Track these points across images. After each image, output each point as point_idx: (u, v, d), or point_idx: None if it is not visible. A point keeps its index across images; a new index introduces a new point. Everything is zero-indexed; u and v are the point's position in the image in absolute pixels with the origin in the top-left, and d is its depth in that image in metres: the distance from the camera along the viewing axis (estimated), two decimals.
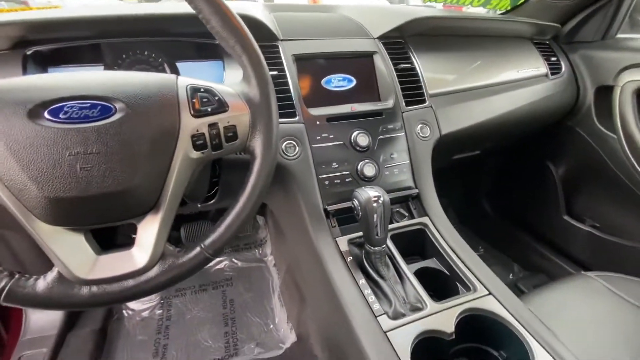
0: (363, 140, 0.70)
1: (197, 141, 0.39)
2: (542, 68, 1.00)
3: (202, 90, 0.40)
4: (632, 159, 0.95)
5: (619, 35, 1.05)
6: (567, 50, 1.06)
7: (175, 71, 0.70)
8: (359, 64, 0.77)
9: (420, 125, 0.76)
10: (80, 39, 0.62)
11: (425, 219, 0.70)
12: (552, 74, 1.01)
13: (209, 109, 0.40)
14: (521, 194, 1.35)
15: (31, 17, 0.55)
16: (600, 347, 0.60)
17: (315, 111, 0.70)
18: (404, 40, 0.83)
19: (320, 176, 0.67)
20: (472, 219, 1.50)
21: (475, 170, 1.45)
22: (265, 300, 1.14)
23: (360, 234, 0.64)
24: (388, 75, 0.77)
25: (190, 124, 0.39)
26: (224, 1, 0.39)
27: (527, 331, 0.50)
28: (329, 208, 0.66)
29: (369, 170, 0.69)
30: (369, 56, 0.77)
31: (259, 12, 0.77)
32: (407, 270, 0.60)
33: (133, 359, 0.99)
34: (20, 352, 0.94)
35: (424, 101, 0.79)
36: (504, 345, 0.53)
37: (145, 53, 0.68)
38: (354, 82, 0.76)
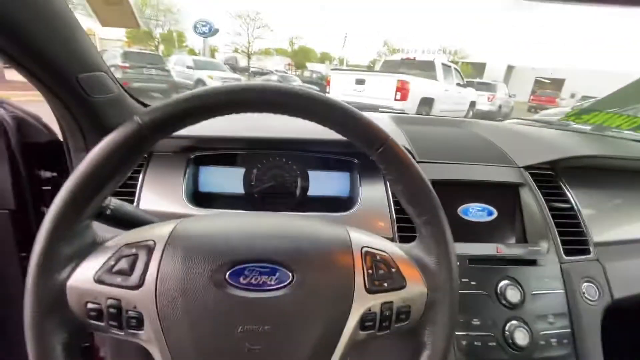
0: (513, 294, 0.57)
1: (367, 321, 0.33)
2: None
3: (377, 257, 0.35)
4: None
5: None
6: None
7: (305, 178, 0.70)
8: (501, 195, 0.68)
9: (585, 283, 0.61)
10: (235, 149, 0.68)
11: None
12: None
13: (386, 285, 0.34)
14: None
15: (204, 134, 0.62)
16: None
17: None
18: (556, 172, 0.73)
19: (457, 333, 0.55)
20: None
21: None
22: None
23: None
24: (539, 213, 0.66)
25: (363, 300, 0.33)
26: (417, 168, 0.35)
27: None
28: None
29: (520, 336, 0.55)
30: (514, 187, 0.68)
31: (393, 130, 0.76)
32: None
33: None
34: None
35: (588, 251, 0.64)
36: None
37: (283, 160, 0.70)
38: (495, 215, 0.66)
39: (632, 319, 0.68)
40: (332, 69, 9.82)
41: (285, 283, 0.32)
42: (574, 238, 0.64)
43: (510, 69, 20.92)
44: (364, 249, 0.35)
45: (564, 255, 0.62)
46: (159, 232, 0.33)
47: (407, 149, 0.67)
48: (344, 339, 0.32)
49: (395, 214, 0.62)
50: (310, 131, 0.66)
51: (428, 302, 0.35)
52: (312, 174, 0.71)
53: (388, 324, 0.34)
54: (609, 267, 0.63)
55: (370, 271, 0.34)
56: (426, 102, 5.84)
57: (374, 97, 5.56)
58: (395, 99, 5.52)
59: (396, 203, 0.63)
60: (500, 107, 9.45)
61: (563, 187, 0.71)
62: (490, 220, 0.66)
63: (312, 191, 0.71)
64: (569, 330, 0.57)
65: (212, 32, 13.41)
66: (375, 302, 0.33)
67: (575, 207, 0.68)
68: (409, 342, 0.37)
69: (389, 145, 0.34)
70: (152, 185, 0.62)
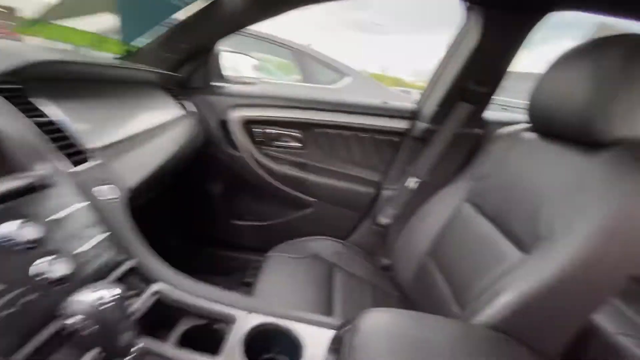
0: (27, 231, 0.46)
1: None
2: (179, 110, 1.13)
3: None
4: (256, 169, 1.36)
5: (213, 83, 1.40)
6: (189, 94, 1.27)
7: None
8: None
9: (101, 186, 0.62)
10: None
11: (159, 286, 0.61)
12: (186, 114, 1.17)
13: None
14: (194, 214, 1.49)
15: None
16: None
17: None
18: (25, 85, 0.61)
19: None
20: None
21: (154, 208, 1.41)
22: None
23: None
24: (18, 134, 0.54)
25: None
26: None
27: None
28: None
29: (58, 268, 0.47)
30: None
31: None
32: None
33: None
34: None
35: (90, 158, 0.64)
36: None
37: None
38: None
39: (141, 197, 0.81)
40: None
41: None
42: (71, 150, 0.61)
43: None
44: None
45: (69, 169, 0.58)
46: None
47: None
48: None
49: None
50: None
51: None
52: None
53: None
54: (116, 165, 0.69)
55: None
56: None
57: None
58: None
59: None
60: None
61: (36, 101, 0.62)
62: None
63: None
64: (109, 232, 0.58)
65: None
66: None
67: (59, 118, 0.63)
68: None
69: None
70: None
